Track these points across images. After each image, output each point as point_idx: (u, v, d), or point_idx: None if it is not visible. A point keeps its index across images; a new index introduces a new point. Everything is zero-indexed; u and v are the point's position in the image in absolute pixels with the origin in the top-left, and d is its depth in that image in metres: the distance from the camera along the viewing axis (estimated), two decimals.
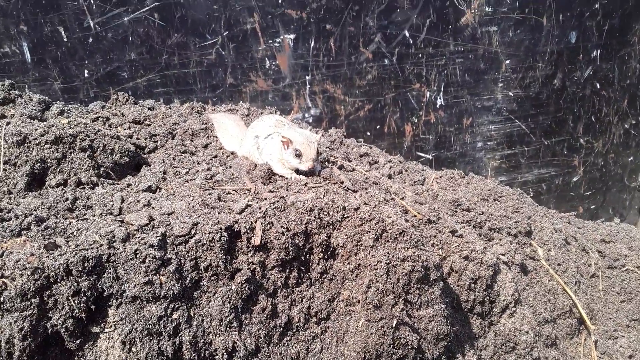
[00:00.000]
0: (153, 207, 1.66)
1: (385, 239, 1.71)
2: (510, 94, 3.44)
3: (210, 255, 1.52)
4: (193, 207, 1.63)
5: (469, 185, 2.67)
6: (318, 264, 1.70)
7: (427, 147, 3.36)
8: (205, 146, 2.33)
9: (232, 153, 2.31)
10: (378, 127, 3.19)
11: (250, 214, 1.64)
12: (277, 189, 1.88)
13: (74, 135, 1.82)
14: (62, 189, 1.74)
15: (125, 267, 1.41)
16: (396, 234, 1.71)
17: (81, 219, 1.56)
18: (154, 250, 1.44)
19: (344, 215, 1.72)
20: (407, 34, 3.04)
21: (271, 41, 2.84)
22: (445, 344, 1.75)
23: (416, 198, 2.17)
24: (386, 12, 2.95)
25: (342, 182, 1.95)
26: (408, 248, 1.70)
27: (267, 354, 1.57)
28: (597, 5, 3.34)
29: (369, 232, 1.70)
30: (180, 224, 1.53)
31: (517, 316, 2.02)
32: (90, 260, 1.35)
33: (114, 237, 1.45)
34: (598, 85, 3.63)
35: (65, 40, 2.54)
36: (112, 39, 2.60)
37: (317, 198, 1.73)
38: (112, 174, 1.89)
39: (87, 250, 1.38)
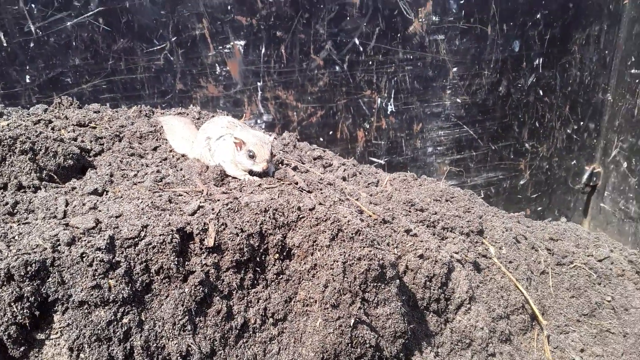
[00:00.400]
0: (100, 210, 1.60)
1: (341, 238, 1.70)
2: (458, 100, 3.52)
3: (162, 258, 1.47)
4: (142, 209, 1.58)
5: (422, 186, 2.71)
6: (274, 265, 1.68)
7: (380, 152, 3.40)
8: (155, 149, 2.28)
9: (183, 155, 2.27)
10: (331, 132, 3.20)
11: (203, 215, 1.61)
12: (231, 190, 1.84)
13: (14, 138, 1.75)
14: (2, 193, 1.66)
15: (71, 271, 1.35)
16: (352, 234, 1.71)
17: (23, 223, 1.49)
18: (102, 253, 1.39)
19: (299, 215, 1.71)
20: (357, 41, 3.07)
21: (221, 47, 2.82)
22: (403, 341, 1.75)
23: (371, 199, 2.18)
24: (336, 20, 2.97)
25: (296, 183, 1.93)
26: (364, 247, 1.70)
27: (222, 357, 1.54)
28: (538, 16, 3.47)
29: (325, 231, 1.69)
30: (129, 227, 1.49)
31: (472, 313, 2.04)
32: (34, 265, 1.30)
33: (58, 240, 1.39)
34: (541, 92, 3.76)
35: (5, 45, 2.44)
36: (55, 44, 2.51)
37: (272, 199, 1.72)
38: (56, 177, 1.82)
39: (29, 254, 1.32)
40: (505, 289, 2.29)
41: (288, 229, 1.70)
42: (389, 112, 3.34)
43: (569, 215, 4.31)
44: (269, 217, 1.67)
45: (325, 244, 1.68)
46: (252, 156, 1.92)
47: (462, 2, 3.22)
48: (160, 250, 1.48)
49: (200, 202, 1.66)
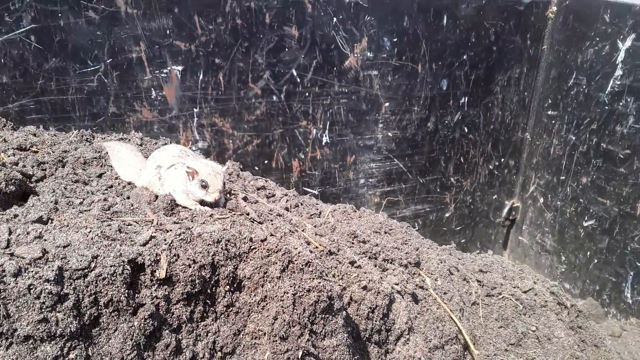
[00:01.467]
0: (45, 240, 1.53)
1: (292, 269, 1.71)
2: (390, 134, 3.64)
3: (112, 290, 1.43)
4: (91, 239, 1.53)
5: (361, 218, 2.77)
6: (224, 297, 1.66)
7: (314, 182, 3.45)
8: (100, 175, 2.21)
9: (129, 183, 2.21)
10: (266, 162, 3.21)
11: (154, 245, 1.58)
12: (182, 220, 1.82)
13: None
14: None
15: (17, 304, 1.29)
16: (302, 265, 1.73)
17: None
18: (50, 284, 1.33)
19: (250, 246, 1.70)
20: (294, 72, 3.13)
21: (158, 71, 2.78)
22: None
23: (316, 230, 2.21)
24: (275, 50, 3.02)
25: (247, 214, 1.94)
26: (314, 278, 1.72)
27: None
28: (465, 57, 3.67)
29: (276, 263, 1.70)
30: (77, 257, 1.43)
31: (411, 343, 2.09)
32: None
33: (3, 271, 1.32)
34: (466, 129, 3.96)
35: None
36: None
37: (224, 229, 1.70)
38: None
39: None
40: (441, 319, 2.36)
41: (239, 260, 1.69)
42: (323, 143, 3.41)
43: (491, 248, 4.52)
44: (221, 248, 1.65)
45: (276, 276, 1.69)
46: (204, 186, 1.90)
47: (395, 40, 3.36)
48: (110, 282, 1.43)
49: (152, 232, 1.63)
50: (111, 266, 1.44)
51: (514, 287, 2.88)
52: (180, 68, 2.83)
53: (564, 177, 3.93)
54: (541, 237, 4.24)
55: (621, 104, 3.39)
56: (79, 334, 1.36)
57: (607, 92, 3.47)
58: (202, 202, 1.97)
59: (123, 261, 1.47)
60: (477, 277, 2.82)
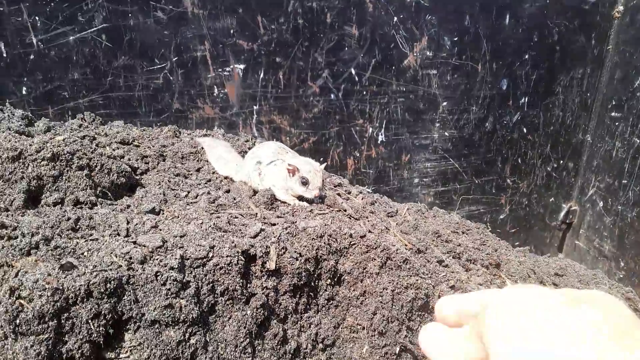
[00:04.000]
0: (161, 229, 1.61)
1: (389, 266, 1.75)
2: (446, 134, 3.61)
3: (228, 279, 1.49)
4: (205, 230, 1.59)
5: (436, 218, 2.77)
6: (326, 290, 1.71)
7: (368, 180, 3.45)
8: (198, 170, 2.29)
9: (226, 178, 2.29)
10: (322, 159, 3.24)
11: (264, 238, 1.63)
12: (284, 214, 1.87)
13: (72, 153, 1.75)
14: (61, 208, 1.66)
15: (144, 290, 1.36)
16: (400, 262, 1.76)
17: (90, 239, 1.48)
18: (174, 272, 1.40)
19: (350, 242, 1.74)
20: (353, 71, 3.13)
21: (221, 70, 2.84)
22: None
23: (400, 228, 2.23)
24: (334, 50, 3.03)
25: (345, 210, 1.98)
26: (411, 276, 1.75)
27: None
28: (526, 56, 3.59)
29: (375, 259, 1.74)
30: (196, 247, 1.50)
31: None
32: (112, 282, 1.29)
33: (131, 258, 1.39)
34: (525, 130, 3.88)
35: (4, 55, 2.41)
36: (55, 57, 2.50)
37: (326, 225, 1.75)
38: (109, 194, 1.82)
39: (106, 271, 1.31)
40: None
41: (340, 255, 1.74)
42: (379, 142, 3.40)
43: (544, 252, 4.42)
44: (324, 243, 1.70)
45: (375, 272, 1.73)
46: (304, 183, 1.96)
47: (455, 39, 3.32)
48: (227, 271, 1.49)
49: (261, 225, 1.68)
50: (227, 256, 1.50)
51: None
52: (242, 66, 2.88)
53: (626, 181, 3.80)
54: (599, 241, 4.12)
55: None
56: (198, 321, 1.42)
57: None
58: (301, 198, 2.02)
59: (238, 252, 1.53)
60: (553, 280, 2.77)
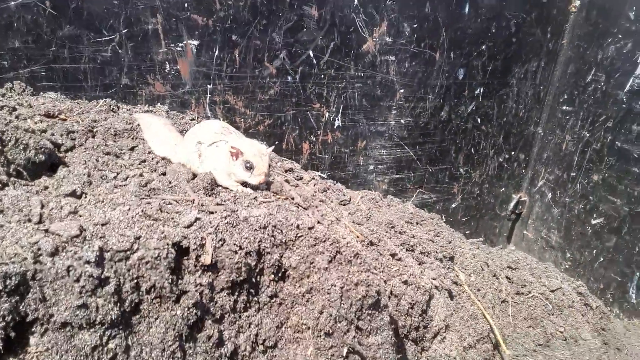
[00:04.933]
0: (81, 215, 1.40)
1: (339, 261, 1.61)
2: (402, 121, 3.58)
3: (155, 275, 1.31)
4: (132, 217, 1.40)
5: (390, 207, 2.69)
6: (268, 287, 1.55)
7: (323, 166, 3.39)
8: (132, 149, 2.08)
9: (163, 159, 2.09)
10: (277, 142, 3.16)
11: (200, 228, 1.45)
12: (224, 201, 1.70)
13: None
14: None
15: (54, 287, 1.17)
16: (350, 257, 1.63)
17: None
18: (91, 267, 1.20)
19: (297, 234, 1.60)
20: (311, 54, 3.06)
21: (173, 45, 2.71)
22: None
23: (352, 218, 2.11)
24: (293, 30, 2.94)
25: (292, 198, 1.83)
26: (362, 272, 1.62)
27: None
28: (484, 47, 3.60)
29: (323, 253, 1.60)
30: (119, 237, 1.31)
31: (447, 341, 2.01)
32: (14, 277, 1.10)
33: (39, 249, 1.19)
34: (479, 120, 3.90)
35: None
36: None
37: (270, 214, 1.59)
38: (25, 173, 1.59)
39: (7, 264, 1.12)
40: (474, 317, 2.27)
41: (285, 248, 1.59)
42: (335, 127, 3.34)
43: (494, 241, 4.49)
44: (268, 235, 1.55)
45: (323, 267, 1.58)
46: (249, 167, 1.80)
47: (415, 26, 3.29)
48: (154, 266, 1.31)
49: (196, 214, 1.50)
50: (155, 249, 1.32)
51: (542, 286, 2.81)
52: (196, 42, 2.75)
53: (574, 174, 3.88)
54: (547, 232, 4.21)
55: (639, 103, 3.34)
56: (119, 322, 1.25)
57: (626, 90, 3.40)
58: (244, 184, 1.86)
59: (167, 244, 1.35)
60: (506, 273, 2.74)
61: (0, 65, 2.36)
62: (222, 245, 1.46)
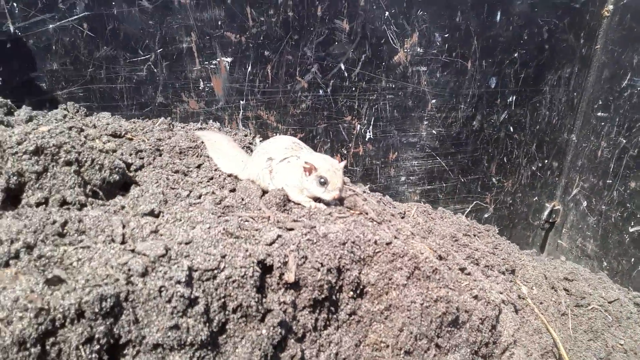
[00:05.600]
0: (162, 235, 1.39)
1: (417, 277, 1.57)
2: (434, 132, 3.55)
3: (242, 294, 1.29)
4: (213, 235, 1.38)
5: (444, 219, 2.65)
6: (347, 304, 1.51)
7: (355, 178, 3.37)
8: (198, 166, 2.08)
9: (230, 175, 2.09)
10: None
11: (281, 246, 1.43)
12: (300, 218, 1.67)
13: (58, 146, 1.51)
14: (45, 209, 1.43)
15: (146, 308, 1.15)
16: (429, 272, 1.59)
17: (80, 247, 1.26)
18: (182, 287, 1.19)
19: (375, 249, 1.56)
20: (342, 67, 3.05)
21: (207, 62, 2.73)
22: None
23: (414, 231, 2.04)
24: (324, 44, 2.94)
25: (366, 213, 1.79)
26: (441, 288, 1.58)
27: None
28: (516, 55, 3.55)
29: (402, 269, 1.56)
30: (204, 256, 1.29)
31: (515, 357, 1.95)
32: (109, 299, 1.09)
33: (129, 270, 1.18)
34: (511, 129, 3.85)
35: None
36: (34, 47, 2.36)
37: (348, 230, 1.55)
38: (101, 193, 1.60)
39: (101, 286, 1.10)
40: (538, 331, 2.22)
41: (363, 265, 1.55)
42: (367, 139, 3.33)
43: (528, 250, 4.42)
44: (347, 251, 1.51)
45: (402, 283, 1.54)
46: (323, 183, 1.77)
47: (446, 35, 3.26)
48: (240, 284, 1.30)
49: (277, 231, 1.48)
50: (241, 267, 1.30)
51: (600, 297, 2.74)
52: (229, 59, 2.77)
53: (610, 181, 3.79)
54: (582, 241, 4.12)
55: None
56: (208, 343, 1.22)
57: None
58: (317, 199, 1.83)
59: (253, 262, 1.33)
60: (563, 285, 2.67)
61: (39, 87, 2.40)
62: (304, 262, 1.44)
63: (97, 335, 1.08)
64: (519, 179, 4.10)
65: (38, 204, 1.47)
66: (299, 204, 1.86)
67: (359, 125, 3.27)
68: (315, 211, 1.77)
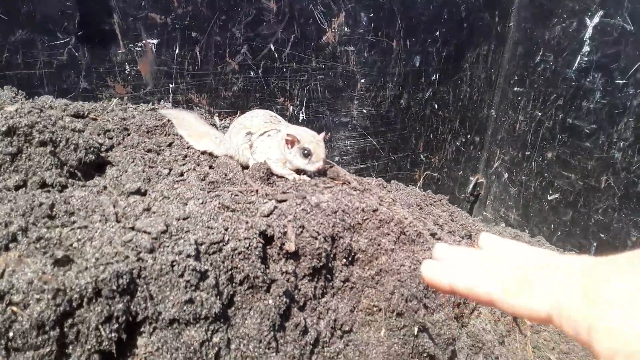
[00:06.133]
0: (154, 212, 1.35)
1: (403, 241, 1.63)
2: (364, 111, 3.61)
3: (247, 265, 1.28)
4: (211, 209, 1.37)
5: (399, 191, 2.69)
6: (341, 271, 1.54)
7: None
8: (169, 145, 2.02)
9: (204, 152, 2.06)
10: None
11: (279, 216, 1.44)
12: (287, 190, 1.68)
13: (30, 126, 1.44)
14: (26, 192, 1.36)
15: (159, 284, 1.13)
16: (414, 236, 1.65)
17: (77, 228, 1.21)
18: (192, 260, 1.17)
19: (363, 217, 1.59)
20: (272, 47, 3.02)
21: (132, 45, 2.61)
22: (453, 348, 1.71)
23: (394, 197, 2.12)
24: (252, 24, 2.89)
25: (349, 183, 1.83)
26: (425, 250, 1.64)
27: None
28: (437, 33, 3.66)
29: (389, 234, 1.61)
30: (206, 230, 1.27)
31: (482, 316, 2.06)
32: (124, 276, 1.06)
33: (137, 246, 1.15)
34: (436, 106, 3.98)
35: None
36: None
37: (337, 199, 1.58)
38: (79, 174, 1.53)
39: (113, 264, 1.07)
40: None
41: (353, 232, 1.58)
42: (300, 120, 3.32)
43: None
44: (339, 219, 1.54)
45: (390, 248, 1.59)
46: (306, 155, 1.78)
47: (371, 15, 3.31)
48: (246, 256, 1.29)
49: (274, 203, 1.48)
50: (245, 239, 1.30)
51: None
52: (155, 42, 2.67)
53: (529, 153, 4.02)
54: (505, 211, 4.35)
55: (588, 80, 3.47)
56: (220, 315, 1.21)
57: (574, 68, 3.55)
58: (299, 172, 1.85)
59: (255, 233, 1.33)
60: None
61: None
62: (301, 232, 1.45)
63: (115, 314, 1.05)
64: (444, 155, 4.25)
65: (17, 187, 1.40)
66: (282, 177, 1.88)
67: (291, 107, 3.26)
68: (300, 183, 1.79)
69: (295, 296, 1.43)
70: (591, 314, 0.49)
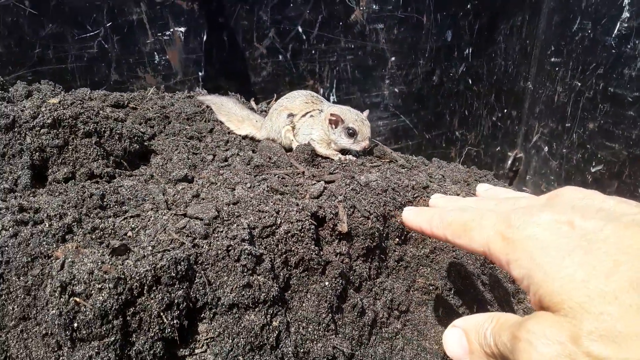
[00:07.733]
0: (204, 199, 1.35)
1: None
2: (396, 90, 3.54)
3: (302, 248, 1.27)
4: (259, 193, 1.35)
5: (442, 168, 2.65)
6: (394, 251, 1.50)
7: None
8: (210, 131, 2.02)
9: (245, 137, 2.05)
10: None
11: (329, 197, 1.42)
12: (334, 171, 1.65)
13: (74, 117, 1.44)
14: (75, 184, 1.37)
15: (215, 269, 1.12)
16: None
17: (129, 217, 1.21)
18: (247, 244, 1.16)
19: (414, 194, 1.56)
20: (300, 29, 2.98)
21: (160, 34, 2.61)
22: None
23: (444, 174, 2.10)
24: (279, 6, 2.86)
25: (396, 160, 1.80)
26: None
27: (359, 357, 1.35)
28: (469, 6, 3.55)
29: None
30: (257, 214, 1.26)
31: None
32: (182, 263, 1.05)
33: (191, 233, 1.15)
34: (470, 81, 3.87)
35: None
36: None
37: (386, 177, 1.54)
38: (125, 163, 1.54)
39: (170, 251, 1.06)
40: None
41: None
42: (331, 102, 3.28)
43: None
44: (390, 198, 1.51)
45: None
46: (352, 134, 1.74)
47: None
48: (299, 238, 1.28)
49: (323, 184, 1.46)
50: (297, 221, 1.28)
51: None
52: (183, 29, 2.66)
53: (569, 124, 3.88)
54: (546, 185, 4.21)
55: (629, 46, 3.32)
56: (278, 299, 1.20)
57: (613, 35, 3.39)
58: (344, 152, 1.81)
59: (307, 215, 1.31)
60: None
61: None
62: (353, 212, 1.43)
63: (176, 301, 1.05)
64: (480, 131, 4.14)
65: (66, 179, 1.41)
66: (327, 157, 1.84)
67: (321, 89, 3.22)
68: (347, 163, 1.76)
69: (351, 277, 1.41)
70: (506, 252, 0.70)
